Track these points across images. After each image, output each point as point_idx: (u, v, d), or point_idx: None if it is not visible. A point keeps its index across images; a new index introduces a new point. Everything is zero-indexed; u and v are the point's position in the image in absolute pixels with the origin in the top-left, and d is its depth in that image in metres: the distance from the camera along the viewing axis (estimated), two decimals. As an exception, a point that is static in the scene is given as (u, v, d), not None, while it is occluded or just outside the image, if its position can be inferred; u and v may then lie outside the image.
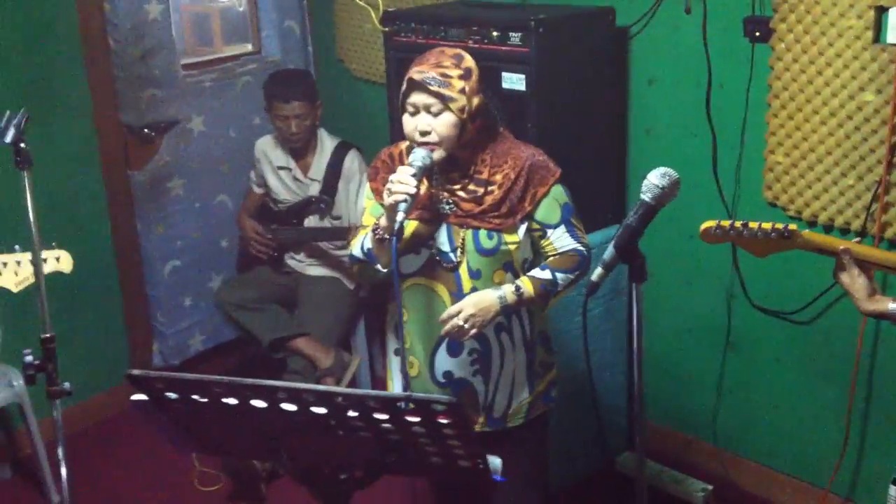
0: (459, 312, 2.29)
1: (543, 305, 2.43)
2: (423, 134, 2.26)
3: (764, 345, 3.21)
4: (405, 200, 2.17)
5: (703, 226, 1.93)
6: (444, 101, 2.23)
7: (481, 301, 2.31)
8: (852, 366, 2.92)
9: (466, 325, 2.29)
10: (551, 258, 2.41)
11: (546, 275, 2.37)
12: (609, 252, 1.69)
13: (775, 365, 3.19)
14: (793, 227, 1.95)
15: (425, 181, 2.34)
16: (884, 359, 2.88)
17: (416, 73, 2.26)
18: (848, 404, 2.96)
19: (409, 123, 2.29)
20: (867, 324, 2.85)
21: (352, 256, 2.46)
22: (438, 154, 2.27)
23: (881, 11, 2.61)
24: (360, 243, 2.41)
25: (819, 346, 3.05)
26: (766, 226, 1.94)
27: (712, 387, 3.39)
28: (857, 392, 2.94)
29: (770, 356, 3.20)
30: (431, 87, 2.23)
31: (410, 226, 2.35)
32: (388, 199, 2.20)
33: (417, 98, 2.26)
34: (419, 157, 2.23)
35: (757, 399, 3.27)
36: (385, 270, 2.35)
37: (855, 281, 1.95)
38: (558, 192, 2.40)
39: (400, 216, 2.16)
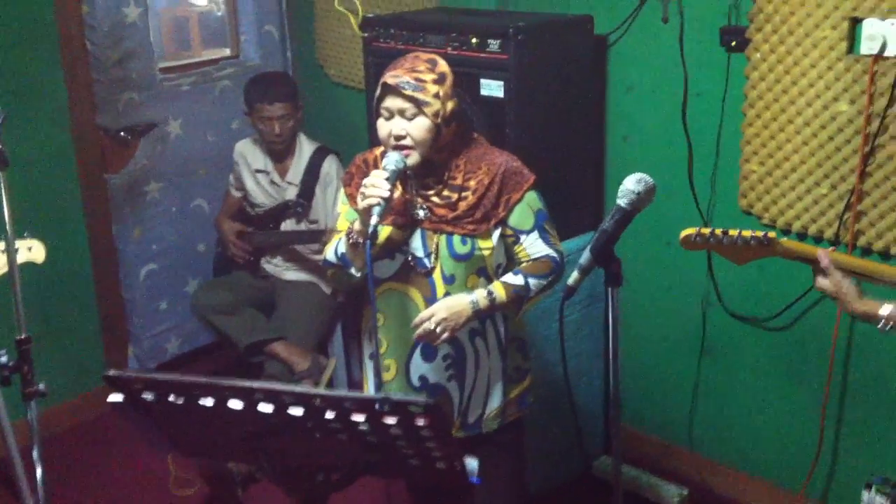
0: (431, 316, 2.30)
1: (516, 310, 2.45)
2: (398, 138, 2.27)
3: (739, 351, 3.23)
4: (379, 204, 2.17)
5: (683, 233, 1.95)
6: (419, 105, 2.25)
7: (454, 305, 2.32)
8: (826, 372, 2.95)
9: (438, 330, 2.30)
10: (524, 263, 2.43)
11: (519, 280, 2.38)
12: (585, 256, 1.71)
13: (750, 371, 3.22)
14: (772, 234, 1.97)
15: (399, 186, 2.35)
16: (857, 365, 2.92)
17: (390, 77, 2.28)
18: (822, 410, 2.99)
19: (384, 128, 2.30)
20: (840, 330, 2.89)
21: (326, 261, 2.46)
22: (413, 159, 2.28)
23: (855, 23, 2.64)
24: (333, 248, 2.42)
25: (793, 352, 3.08)
26: (746, 233, 1.96)
27: (688, 392, 3.42)
28: (831, 398, 2.97)
29: (745, 362, 3.23)
30: (405, 91, 2.24)
31: (385, 231, 2.36)
32: (361, 203, 2.20)
33: (392, 102, 2.27)
34: (392, 160, 2.24)
35: (732, 404, 3.30)
36: (359, 274, 2.36)
37: (842, 283, 1.97)
38: (532, 198, 2.41)
39: (374, 220, 2.17)
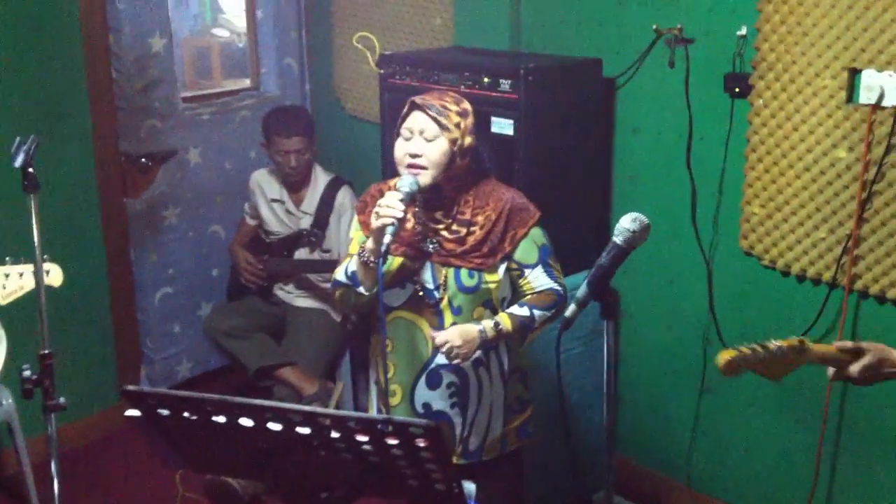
0: (447, 341, 2.36)
1: (521, 341, 2.53)
2: (414, 156, 2.36)
3: (737, 388, 3.28)
4: (392, 224, 2.25)
5: (723, 360, 1.88)
6: (441, 127, 2.35)
7: (465, 333, 2.38)
8: (821, 412, 3.00)
9: (453, 354, 2.37)
10: (529, 296, 2.51)
11: (524, 311, 2.47)
12: (582, 290, 1.79)
13: (748, 408, 3.26)
14: (801, 339, 1.93)
15: (411, 218, 2.43)
16: (853, 405, 2.96)
17: (419, 98, 2.40)
18: (817, 449, 3.04)
19: (401, 147, 2.40)
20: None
21: (335, 282, 2.53)
22: (425, 179, 2.36)
23: (854, 73, 2.72)
24: (344, 268, 2.49)
25: (790, 391, 3.12)
26: (780, 343, 1.90)
27: (688, 428, 3.46)
28: (826, 436, 3.02)
29: (743, 400, 3.27)
30: (430, 113, 2.35)
31: (396, 261, 2.45)
32: (375, 223, 2.28)
33: (415, 121, 2.37)
34: (407, 183, 2.33)
35: (730, 441, 3.35)
36: (367, 294, 2.43)
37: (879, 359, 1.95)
38: (537, 234, 2.50)
39: (387, 238, 2.25)
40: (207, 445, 1.76)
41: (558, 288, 2.52)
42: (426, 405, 2.54)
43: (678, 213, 3.26)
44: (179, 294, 4.35)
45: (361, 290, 2.43)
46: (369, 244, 2.36)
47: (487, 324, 2.42)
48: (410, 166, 2.37)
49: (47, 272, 2.72)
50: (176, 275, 4.33)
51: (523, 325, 2.46)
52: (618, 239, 1.79)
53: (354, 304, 2.52)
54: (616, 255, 1.78)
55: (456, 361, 2.39)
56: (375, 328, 2.60)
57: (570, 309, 1.79)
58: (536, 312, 2.47)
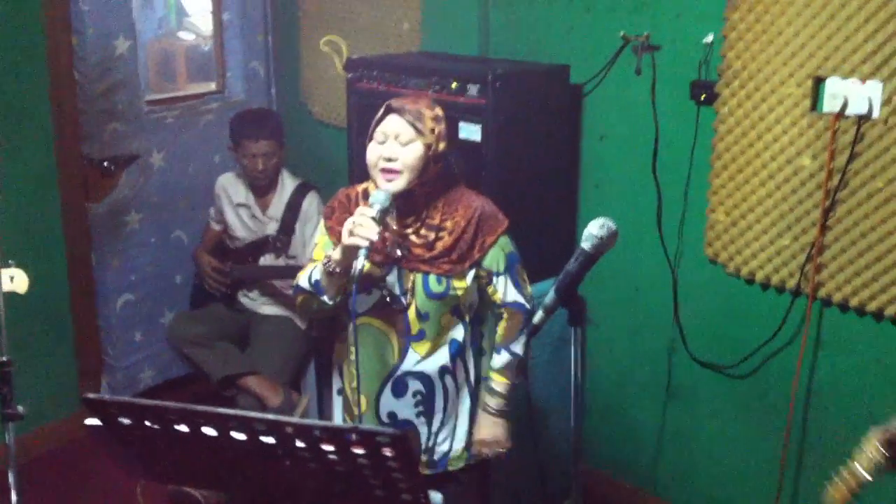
0: (498, 446, 2.59)
1: (521, 375, 2.60)
2: (388, 160, 2.33)
3: (703, 397, 3.30)
4: (367, 246, 2.21)
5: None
6: (416, 132, 2.33)
7: (495, 429, 2.57)
8: (786, 419, 3.02)
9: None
10: (499, 334, 2.55)
11: (505, 357, 2.54)
12: (550, 296, 1.78)
13: (713, 416, 3.28)
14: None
15: (388, 229, 2.41)
16: (816, 413, 2.99)
17: (394, 101, 2.38)
18: (782, 457, 3.05)
19: (375, 151, 2.36)
20: (801, 378, 2.96)
21: (297, 287, 2.49)
22: (398, 184, 2.32)
23: (819, 81, 2.75)
24: (307, 274, 2.45)
25: (755, 399, 3.15)
26: (865, 466, 1.93)
27: (653, 436, 3.48)
28: (791, 445, 3.04)
29: (708, 408, 3.29)
30: (406, 117, 2.33)
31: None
32: (347, 240, 2.23)
33: (390, 125, 2.35)
34: (380, 199, 2.28)
35: (695, 449, 3.36)
36: (331, 303, 2.40)
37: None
38: (504, 242, 2.50)
39: (360, 262, 2.20)
40: (170, 455, 1.73)
41: (523, 302, 2.53)
42: (391, 414, 2.52)
43: (644, 221, 3.27)
44: (142, 301, 4.30)
45: (325, 299, 2.40)
46: (336, 254, 2.31)
47: (493, 400, 2.55)
48: (384, 170, 2.33)
49: (11, 278, 2.66)
50: (138, 281, 4.27)
51: (517, 367, 2.55)
52: (585, 245, 1.79)
53: (317, 311, 2.49)
54: (584, 261, 1.78)
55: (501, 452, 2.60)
56: (340, 335, 2.58)
57: (538, 316, 1.78)
58: (516, 347, 2.54)
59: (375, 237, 2.21)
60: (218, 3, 4.56)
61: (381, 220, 2.26)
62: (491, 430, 2.57)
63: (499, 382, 2.56)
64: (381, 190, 2.32)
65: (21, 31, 3.67)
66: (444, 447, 2.56)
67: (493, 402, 2.56)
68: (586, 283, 1.84)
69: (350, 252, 2.24)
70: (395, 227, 2.43)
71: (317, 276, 2.41)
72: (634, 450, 3.54)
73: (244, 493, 1.77)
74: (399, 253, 2.42)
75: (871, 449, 1.96)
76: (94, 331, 4.19)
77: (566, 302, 1.75)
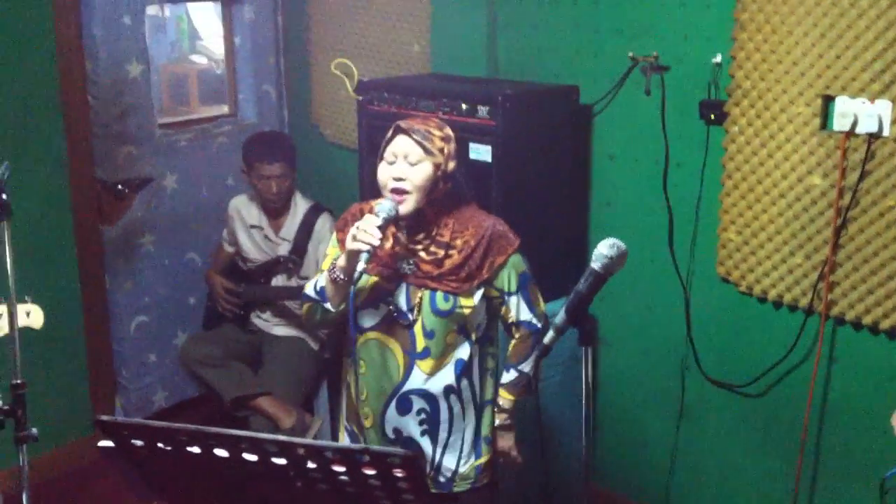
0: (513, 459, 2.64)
1: (530, 391, 2.61)
2: (397, 179, 2.35)
3: (715, 416, 3.29)
4: (368, 251, 2.25)
5: None
6: (425, 152, 2.35)
7: (507, 443, 2.62)
8: (799, 439, 3.00)
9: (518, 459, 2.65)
10: (510, 352, 2.56)
11: (513, 375, 2.55)
12: (560, 316, 1.78)
13: (726, 436, 3.26)
14: None
15: (391, 238, 2.43)
16: (830, 432, 2.97)
17: (403, 122, 2.40)
18: (795, 477, 3.04)
19: (385, 171, 2.39)
20: (815, 398, 2.95)
21: (304, 295, 2.53)
22: (407, 206, 2.35)
23: (828, 100, 2.76)
24: (314, 283, 2.49)
25: (768, 418, 3.13)
26: None
27: (666, 456, 3.46)
28: (805, 465, 3.02)
29: (721, 427, 3.27)
30: (415, 137, 2.36)
31: (370, 281, 2.44)
32: (351, 245, 2.28)
33: (399, 145, 2.38)
34: (385, 208, 2.32)
35: (708, 469, 3.34)
36: (334, 311, 2.42)
37: None
38: (517, 261, 2.50)
39: (360, 266, 2.25)
40: (182, 476, 1.74)
41: (535, 323, 2.54)
42: (396, 430, 2.53)
43: (655, 240, 3.27)
44: (155, 322, 4.32)
45: (328, 305, 2.43)
46: (340, 261, 2.36)
47: (500, 416, 2.59)
48: (394, 191, 2.36)
49: (28, 313, 2.70)
50: (152, 303, 4.29)
51: (525, 385, 2.56)
52: (595, 265, 1.79)
53: (321, 321, 2.52)
54: (594, 281, 1.78)
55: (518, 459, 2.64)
56: (346, 350, 2.59)
57: (549, 336, 1.78)
58: (525, 366, 2.55)
59: (377, 242, 2.25)
60: (229, 27, 4.60)
61: (385, 227, 2.30)
62: (499, 443, 2.61)
63: (505, 399, 2.57)
64: (388, 199, 2.35)
65: (34, 55, 3.71)
66: (449, 468, 2.56)
67: (498, 419, 2.59)
68: (599, 303, 1.84)
69: (353, 258, 2.28)
70: (404, 242, 2.44)
71: (322, 283, 2.45)
72: (646, 469, 3.52)
73: (256, 515, 1.77)
74: (407, 269, 2.43)
75: None
76: (108, 352, 4.20)
77: (577, 322, 1.75)
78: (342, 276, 2.35)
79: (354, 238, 2.27)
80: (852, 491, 2.95)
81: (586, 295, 1.76)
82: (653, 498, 3.52)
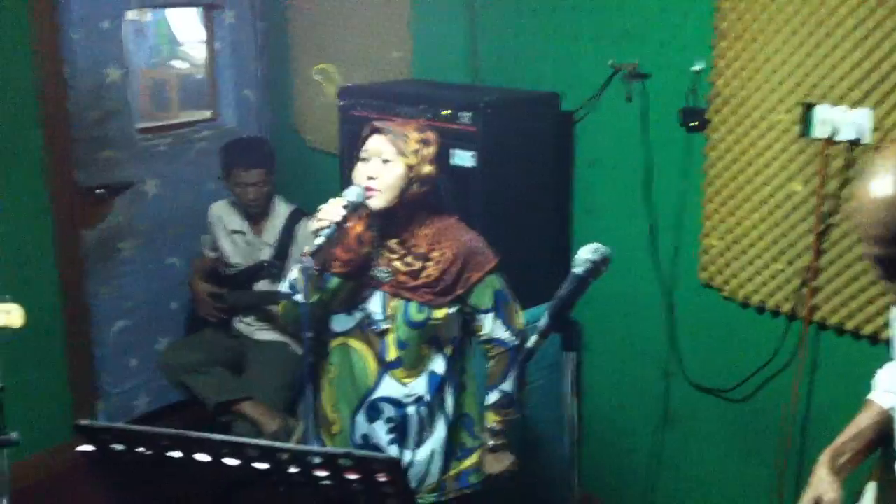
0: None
1: (519, 408, 2.60)
2: (370, 178, 2.36)
3: (699, 421, 3.29)
4: (329, 227, 2.26)
5: None
6: (398, 151, 2.36)
7: (498, 468, 2.60)
8: (782, 444, 3.01)
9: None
10: (489, 375, 2.55)
11: (496, 396, 2.53)
12: (543, 320, 1.78)
13: (709, 441, 3.27)
14: None
15: (366, 244, 2.43)
16: (813, 437, 2.97)
17: (379, 122, 2.42)
18: (777, 481, 3.04)
19: (359, 170, 2.40)
20: (798, 404, 2.96)
21: (278, 293, 2.54)
22: (376, 201, 2.35)
23: (808, 107, 2.76)
24: (289, 278, 2.49)
25: (751, 423, 3.14)
26: None
27: (649, 460, 3.46)
28: (788, 471, 3.02)
29: (704, 433, 3.28)
30: (388, 135, 2.37)
31: (346, 285, 2.44)
32: (313, 225, 2.29)
33: (374, 143, 2.39)
34: (353, 192, 2.34)
35: (691, 475, 3.35)
36: (304, 302, 2.38)
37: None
38: (493, 279, 2.49)
39: (320, 240, 2.25)
40: (163, 481, 1.72)
41: (507, 340, 2.52)
42: (364, 437, 2.52)
43: (637, 246, 3.27)
44: (136, 327, 4.29)
45: (298, 297, 2.40)
46: (307, 250, 2.33)
47: (490, 440, 2.58)
48: (367, 189, 2.37)
49: (8, 312, 2.67)
50: (133, 308, 4.27)
51: (508, 403, 2.55)
52: (578, 270, 1.79)
53: (295, 317, 2.47)
54: (576, 286, 1.78)
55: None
56: (322, 354, 2.58)
57: (532, 339, 1.78)
58: (505, 385, 2.53)
59: (338, 218, 2.26)
60: (210, 32, 4.58)
61: (350, 210, 2.30)
62: (498, 464, 2.60)
63: (493, 421, 2.56)
64: (357, 185, 2.36)
65: (11, 60, 3.69)
66: (415, 480, 2.53)
67: (490, 441, 2.58)
68: (582, 309, 1.84)
69: (314, 237, 2.28)
70: (376, 242, 2.44)
71: (294, 275, 2.44)
72: (630, 474, 3.52)
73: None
74: (383, 277, 2.43)
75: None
76: (89, 357, 4.18)
77: (559, 326, 1.75)
78: (311, 266, 2.33)
79: (318, 219, 2.29)
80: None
81: (568, 299, 1.76)
82: (635, 503, 3.52)
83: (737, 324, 3.11)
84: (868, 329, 2.75)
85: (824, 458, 2.06)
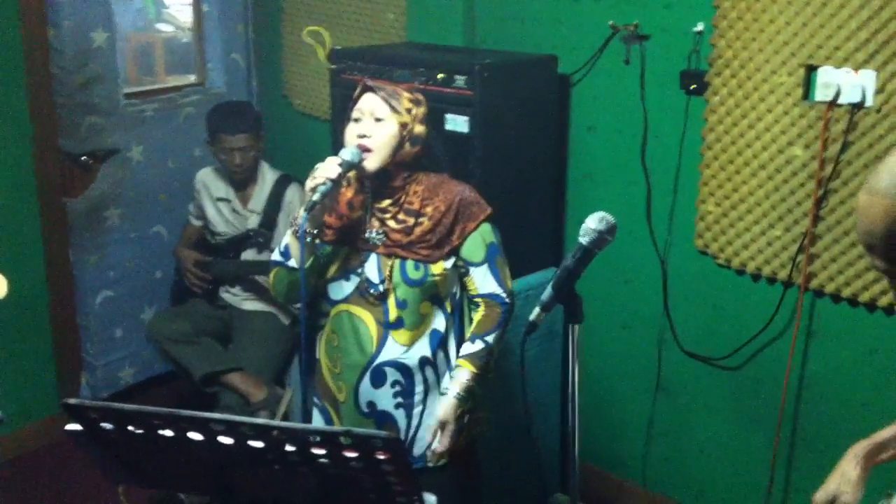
0: (439, 432, 2.42)
1: (489, 369, 2.49)
2: (361, 137, 2.32)
3: (693, 389, 3.27)
4: (324, 183, 2.23)
5: None
6: (391, 108, 2.33)
7: (446, 411, 2.41)
8: (777, 411, 2.99)
9: (448, 440, 2.42)
10: (475, 323, 2.48)
11: (478, 346, 2.45)
12: (547, 293, 1.74)
13: (704, 409, 3.25)
14: None
15: (358, 208, 2.40)
16: (808, 405, 2.96)
17: (370, 80, 2.38)
18: (773, 449, 3.03)
19: (351, 129, 2.37)
20: (792, 371, 2.94)
21: (272, 261, 2.48)
22: (370, 162, 2.32)
23: (811, 70, 2.71)
24: (279, 246, 2.45)
25: (746, 391, 3.12)
26: None
27: (642, 429, 3.45)
28: (782, 438, 3.01)
29: (699, 401, 3.26)
30: (381, 94, 2.34)
31: (340, 252, 2.41)
32: (309, 183, 2.26)
33: (365, 102, 2.36)
34: (349, 151, 2.30)
35: (685, 442, 3.33)
36: (297, 268, 2.35)
37: None
38: (486, 231, 2.46)
39: (316, 196, 2.22)
40: (154, 460, 1.67)
41: (502, 294, 2.48)
42: (370, 404, 2.48)
43: (633, 212, 3.23)
44: (122, 297, 4.22)
45: (292, 262, 2.37)
46: (300, 214, 2.32)
47: (454, 384, 2.42)
48: (359, 147, 2.33)
49: None
50: (118, 277, 4.20)
51: (486, 359, 2.45)
52: (584, 240, 1.74)
53: (288, 285, 2.43)
54: (581, 256, 1.73)
55: (450, 441, 2.42)
56: (319, 324, 2.53)
57: (535, 312, 1.74)
58: (490, 338, 2.45)
59: (334, 175, 2.23)
60: (197, -7, 4.48)
61: (346, 168, 2.27)
62: (452, 413, 2.41)
63: (464, 369, 2.42)
64: (351, 146, 2.32)
65: (-3, 24, 3.60)
66: (423, 441, 2.50)
67: (452, 387, 2.42)
68: (575, 277, 1.79)
69: (310, 193, 2.24)
70: (369, 204, 2.41)
71: (286, 241, 2.41)
72: (623, 443, 3.51)
73: (231, 498, 1.71)
74: (377, 239, 2.40)
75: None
76: (73, 328, 4.12)
77: (564, 298, 1.71)
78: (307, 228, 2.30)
79: (314, 177, 2.25)
80: (829, 465, 2.93)
81: (574, 270, 1.72)
82: (630, 471, 3.51)
83: (732, 291, 3.08)
84: (865, 296, 2.73)
85: (858, 452, 1.90)
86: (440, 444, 2.43)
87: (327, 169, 2.25)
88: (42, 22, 3.73)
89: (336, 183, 2.25)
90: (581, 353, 3.52)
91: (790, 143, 2.79)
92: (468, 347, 2.45)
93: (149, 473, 1.75)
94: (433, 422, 2.46)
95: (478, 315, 2.49)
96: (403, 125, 2.35)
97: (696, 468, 3.32)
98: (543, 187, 3.35)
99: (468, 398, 2.43)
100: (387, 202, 2.40)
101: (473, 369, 2.43)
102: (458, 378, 2.42)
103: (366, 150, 2.31)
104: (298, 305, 2.41)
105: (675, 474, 3.39)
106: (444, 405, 2.43)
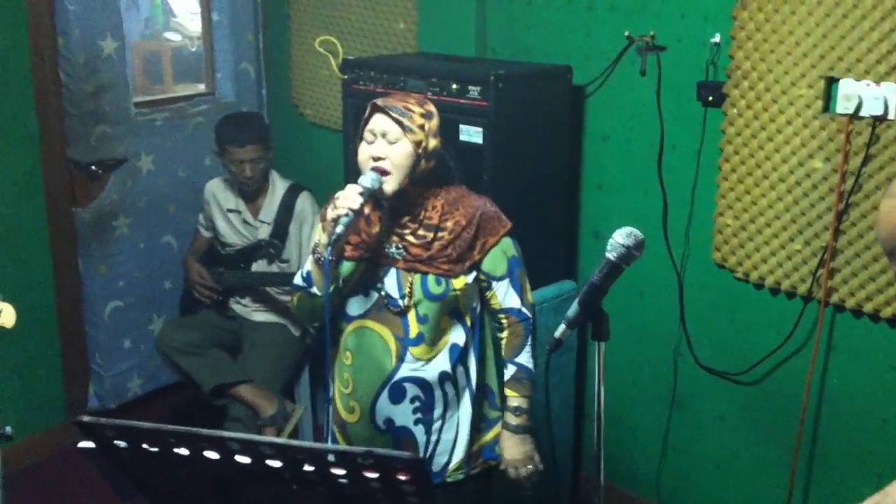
0: (522, 477, 2.50)
1: (533, 386, 2.51)
2: (377, 159, 2.28)
3: (709, 404, 3.23)
4: (347, 215, 2.19)
5: None
6: (403, 129, 2.28)
7: (520, 453, 2.49)
8: (795, 427, 2.94)
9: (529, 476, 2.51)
10: (503, 347, 2.48)
11: (512, 369, 2.47)
12: (573, 309, 1.70)
13: (720, 424, 3.21)
14: None
15: (376, 223, 2.36)
16: (828, 421, 2.92)
17: (380, 100, 2.32)
18: (791, 466, 2.98)
19: (364, 151, 2.32)
20: (811, 386, 2.89)
21: (293, 286, 2.45)
22: (389, 185, 2.28)
23: (831, 82, 2.68)
24: (301, 271, 2.41)
25: (763, 407, 3.08)
26: None
27: (657, 444, 3.40)
28: (800, 454, 2.97)
29: (715, 415, 3.22)
30: (392, 114, 2.28)
31: (359, 267, 2.37)
32: (330, 214, 2.22)
33: (377, 123, 2.30)
34: (368, 179, 2.26)
35: (700, 457, 3.29)
36: (321, 294, 2.33)
37: None
38: (507, 245, 2.43)
39: (339, 228, 2.19)
40: (167, 478, 1.63)
41: (524, 311, 2.47)
42: (388, 420, 2.43)
43: (649, 224, 3.18)
44: (130, 307, 4.20)
45: (314, 290, 2.34)
46: (322, 240, 2.29)
47: (511, 418, 2.48)
48: (374, 170, 2.28)
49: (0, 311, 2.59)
50: (126, 287, 4.17)
51: (528, 379, 2.48)
52: (611, 255, 1.70)
53: (311, 310, 2.42)
54: (608, 272, 1.70)
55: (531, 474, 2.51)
56: (336, 339, 2.50)
57: (560, 329, 1.70)
58: (522, 358, 2.47)
59: (356, 206, 2.20)
60: (207, 3, 4.46)
61: (367, 196, 2.23)
62: (518, 448, 2.49)
63: (512, 397, 2.48)
64: (373, 172, 2.28)
65: (4, 31, 3.58)
66: (443, 458, 2.47)
67: (512, 421, 2.48)
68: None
69: (333, 228, 2.21)
70: (387, 225, 2.37)
71: (307, 267, 2.37)
72: (638, 458, 3.47)
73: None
74: (396, 254, 2.36)
75: None
76: (82, 338, 4.09)
77: (590, 315, 1.67)
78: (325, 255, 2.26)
79: (335, 206, 2.21)
80: (848, 482, 2.90)
81: (601, 286, 1.68)
82: (644, 487, 3.47)
83: (750, 305, 3.04)
84: (888, 312, 2.68)
85: None
86: (525, 478, 2.52)
87: (349, 199, 2.20)
88: (51, 30, 3.72)
89: (357, 213, 2.22)
90: (594, 365, 3.50)
91: (810, 156, 2.75)
92: (506, 373, 2.49)
93: (160, 491, 1.72)
94: (460, 436, 2.46)
95: (503, 338, 2.48)
96: (417, 143, 2.30)
97: (711, 485, 3.28)
98: (557, 198, 3.31)
99: (529, 423, 2.50)
100: (406, 218, 2.37)
101: (517, 395, 2.48)
102: (512, 407, 2.48)
103: (383, 172, 2.27)
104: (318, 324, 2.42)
105: (689, 491, 3.35)
106: (514, 444, 2.49)
